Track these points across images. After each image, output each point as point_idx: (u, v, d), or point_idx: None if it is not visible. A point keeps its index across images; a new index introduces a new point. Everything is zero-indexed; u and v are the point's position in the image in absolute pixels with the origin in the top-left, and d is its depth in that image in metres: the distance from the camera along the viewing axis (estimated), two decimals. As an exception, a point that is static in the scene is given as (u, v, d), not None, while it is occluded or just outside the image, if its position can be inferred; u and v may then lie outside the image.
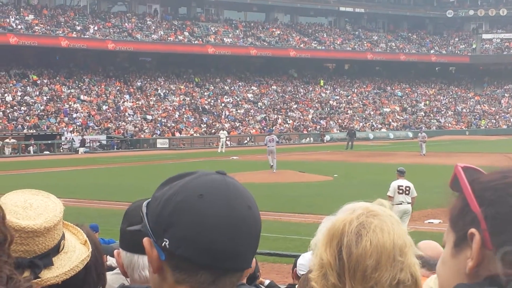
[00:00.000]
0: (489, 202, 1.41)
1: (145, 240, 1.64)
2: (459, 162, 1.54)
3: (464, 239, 1.45)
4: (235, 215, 1.58)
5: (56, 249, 2.25)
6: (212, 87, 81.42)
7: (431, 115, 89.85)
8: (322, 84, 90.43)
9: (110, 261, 8.10)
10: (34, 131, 59.30)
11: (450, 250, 1.50)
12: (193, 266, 1.57)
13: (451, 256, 1.49)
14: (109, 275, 3.13)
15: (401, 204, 18.24)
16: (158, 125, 67.93)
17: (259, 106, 79.94)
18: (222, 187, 1.60)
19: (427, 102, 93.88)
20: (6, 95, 64.24)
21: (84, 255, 2.35)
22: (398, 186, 18.32)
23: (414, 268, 1.93)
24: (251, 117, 76.07)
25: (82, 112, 65.60)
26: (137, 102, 71.85)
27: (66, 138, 59.84)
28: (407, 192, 18.29)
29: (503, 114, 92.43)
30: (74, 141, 59.21)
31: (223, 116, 74.24)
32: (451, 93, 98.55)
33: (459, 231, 1.47)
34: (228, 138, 67.31)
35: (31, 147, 56.73)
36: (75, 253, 2.33)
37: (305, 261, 5.80)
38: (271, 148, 38.77)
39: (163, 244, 1.58)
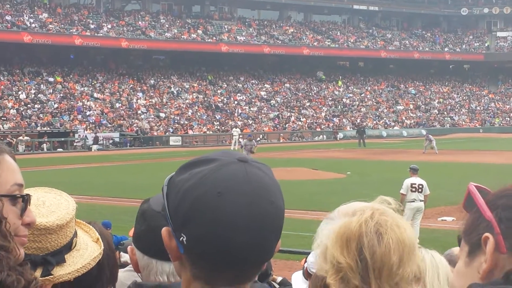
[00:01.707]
0: (502, 207, 1.46)
1: (164, 230, 1.60)
2: (472, 182, 1.59)
3: (478, 246, 1.47)
4: (256, 213, 1.52)
5: (69, 247, 2.27)
6: (225, 85, 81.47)
7: (445, 113, 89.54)
8: (340, 84, 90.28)
9: (125, 257, 8.10)
10: (48, 128, 59.53)
11: (464, 260, 1.52)
12: (210, 264, 1.53)
13: (465, 265, 1.51)
14: (121, 272, 3.11)
15: (413, 201, 18.24)
16: (171, 122, 68.02)
17: (272, 104, 79.91)
18: (243, 182, 1.53)
19: (441, 100, 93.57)
20: (20, 92, 64.50)
21: (96, 253, 2.36)
22: (411, 184, 18.29)
23: (424, 261, 1.95)
24: (264, 115, 76.05)
25: (95, 110, 65.79)
26: (150, 100, 71.97)
27: (79, 135, 60.02)
28: (420, 190, 18.27)
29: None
30: (87, 139, 59.39)
31: (236, 114, 74.26)
32: (465, 91, 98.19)
33: (472, 240, 1.50)
34: (241, 136, 67.34)
35: (45, 144, 56.95)
36: (87, 251, 2.34)
37: (314, 258, 5.76)
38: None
39: (180, 239, 1.55)
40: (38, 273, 2.16)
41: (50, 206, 2.25)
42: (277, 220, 1.57)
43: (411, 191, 18.24)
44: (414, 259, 1.90)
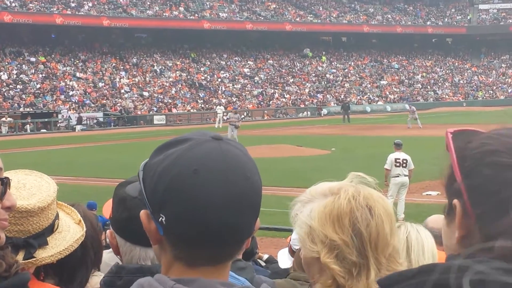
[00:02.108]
0: (466, 173, 1.38)
1: (143, 213, 1.60)
2: (449, 128, 1.49)
3: (451, 208, 1.42)
4: (232, 189, 1.51)
5: (51, 229, 2.26)
6: (208, 63, 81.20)
7: (428, 87, 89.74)
8: (324, 59, 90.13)
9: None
10: (31, 109, 59.20)
11: (445, 219, 1.48)
12: (190, 244, 1.53)
13: (446, 225, 1.47)
14: (105, 253, 3.10)
15: (398, 176, 18.32)
16: (155, 101, 67.81)
17: (255, 81, 79.78)
18: (218, 159, 1.53)
19: (424, 74, 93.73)
20: (1, 73, 64.02)
21: (79, 235, 2.35)
22: (395, 159, 18.35)
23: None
24: (248, 92, 75.92)
25: (78, 90, 65.44)
26: (133, 79, 71.66)
27: (62, 116, 59.72)
28: (404, 164, 18.34)
29: (500, 85, 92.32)
30: (71, 119, 59.13)
31: (219, 92, 74.10)
32: (448, 64, 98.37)
33: (448, 200, 1.45)
34: (225, 114, 67.22)
35: (28, 125, 56.65)
36: (69, 233, 2.33)
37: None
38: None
39: (159, 220, 1.54)
40: (20, 256, 2.15)
41: (31, 189, 2.24)
42: (254, 196, 1.56)
43: (395, 166, 18.31)
44: (396, 227, 1.95)
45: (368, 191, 1.93)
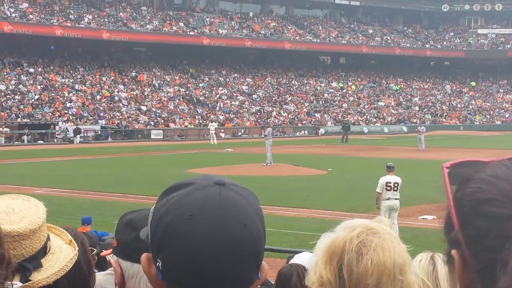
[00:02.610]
0: (462, 222, 1.23)
1: (143, 257, 1.59)
2: (445, 162, 1.32)
3: (451, 256, 1.28)
4: (227, 236, 1.48)
5: (43, 251, 2.26)
6: (207, 78, 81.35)
7: (426, 109, 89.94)
8: (354, 88, 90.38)
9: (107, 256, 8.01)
10: (28, 120, 59.19)
11: (446, 265, 1.34)
12: None
13: (449, 271, 1.33)
14: (101, 275, 3.07)
15: (388, 200, 18.29)
16: (153, 115, 67.85)
17: (253, 98, 79.90)
18: (215, 205, 1.49)
19: (422, 96, 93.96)
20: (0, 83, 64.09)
21: (72, 254, 2.35)
22: (386, 183, 18.34)
23: (413, 286, 1.93)
24: (246, 109, 76.01)
25: (76, 102, 65.47)
26: (132, 93, 71.73)
27: (60, 127, 59.74)
28: (395, 188, 18.32)
29: (497, 110, 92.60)
30: (68, 131, 59.14)
31: (217, 108, 74.18)
32: (445, 88, 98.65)
33: (447, 246, 1.31)
34: (222, 130, 67.30)
35: (25, 136, 56.64)
36: (62, 253, 2.33)
37: (300, 261, 5.74)
38: (271, 141, 38.94)
39: (157, 265, 1.53)
40: (16, 280, 2.15)
41: (20, 212, 2.23)
42: (251, 244, 1.51)
43: (386, 189, 18.29)
44: (397, 284, 1.88)
45: (371, 238, 1.89)
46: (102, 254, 6.78)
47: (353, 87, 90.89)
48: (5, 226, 2.13)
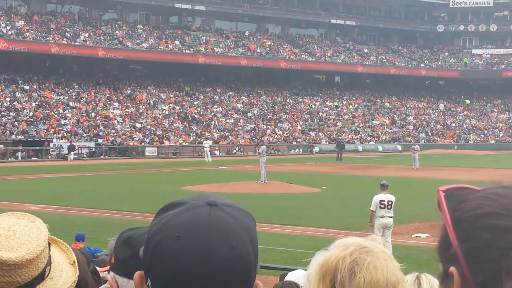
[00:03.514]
0: (463, 237, 1.26)
1: (136, 275, 1.60)
2: (441, 186, 1.37)
3: (447, 275, 1.30)
4: (214, 258, 1.47)
5: (41, 277, 2.18)
6: (202, 96, 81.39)
7: (420, 128, 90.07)
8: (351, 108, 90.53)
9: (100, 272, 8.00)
10: (23, 137, 59.11)
11: (440, 285, 1.37)
12: None
13: None
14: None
15: (382, 217, 18.28)
16: (147, 133, 67.82)
17: (248, 116, 79.95)
18: (203, 226, 1.49)
19: (416, 115, 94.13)
20: (-5, 100, 64.08)
21: (71, 281, 2.28)
22: (380, 201, 18.34)
23: None
24: (241, 127, 76.04)
25: (71, 119, 65.43)
26: (126, 110, 71.72)
27: (54, 144, 59.65)
28: (389, 206, 18.32)
29: (491, 129, 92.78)
30: (63, 148, 59.04)
31: (212, 126, 74.20)
32: (440, 107, 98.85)
33: (443, 266, 1.33)
34: (216, 148, 67.30)
35: (19, 152, 56.53)
36: (61, 278, 2.26)
37: (293, 278, 5.74)
38: (265, 159, 38.84)
39: (147, 284, 1.54)
40: None
41: (21, 237, 2.15)
42: (239, 266, 1.50)
43: (380, 207, 18.29)
44: None
45: (364, 256, 1.89)
46: (100, 270, 6.79)
47: (350, 107, 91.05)
48: (2, 253, 2.08)
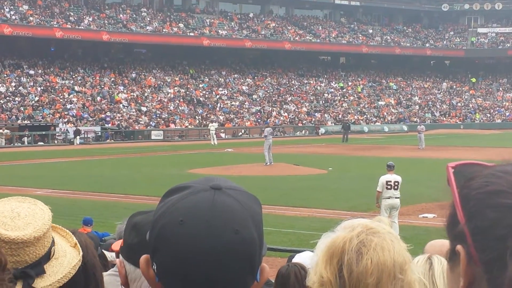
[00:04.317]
0: (470, 215, 1.25)
1: (142, 259, 1.60)
2: (450, 162, 1.37)
3: (454, 253, 1.29)
4: (217, 242, 1.48)
5: (47, 256, 2.22)
6: (207, 79, 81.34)
7: (426, 108, 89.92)
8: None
9: (109, 256, 8.02)
10: (28, 122, 59.21)
11: (448, 264, 1.36)
12: None
13: (450, 270, 1.35)
14: (104, 275, 3.09)
15: (389, 198, 18.28)
16: (153, 116, 67.84)
17: (253, 98, 79.89)
18: (206, 210, 1.49)
19: (422, 95, 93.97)
20: (0, 85, 64.07)
21: (76, 260, 2.31)
22: (387, 181, 18.34)
23: (413, 285, 1.93)
24: (246, 110, 76.01)
25: (76, 103, 65.49)
26: (132, 94, 71.73)
27: (60, 129, 59.75)
28: (395, 187, 18.31)
29: (497, 108, 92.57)
30: (69, 132, 59.15)
31: (217, 108, 74.18)
32: (446, 86, 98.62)
33: (451, 243, 1.32)
34: (222, 130, 67.31)
35: (25, 137, 56.65)
36: (66, 258, 2.29)
37: (301, 260, 5.75)
38: (271, 141, 38.64)
39: (153, 267, 1.55)
40: (18, 287, 2.12)
41: (26, 218, 2.19)
42: (243, 250, 1.51)
43: (387, 188, 18.28)
44: (397, 283, 1.88)
45: (371, 237, 1.89)
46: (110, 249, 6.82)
47: (359, 88, 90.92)
48: (10, 232, 2.11)
